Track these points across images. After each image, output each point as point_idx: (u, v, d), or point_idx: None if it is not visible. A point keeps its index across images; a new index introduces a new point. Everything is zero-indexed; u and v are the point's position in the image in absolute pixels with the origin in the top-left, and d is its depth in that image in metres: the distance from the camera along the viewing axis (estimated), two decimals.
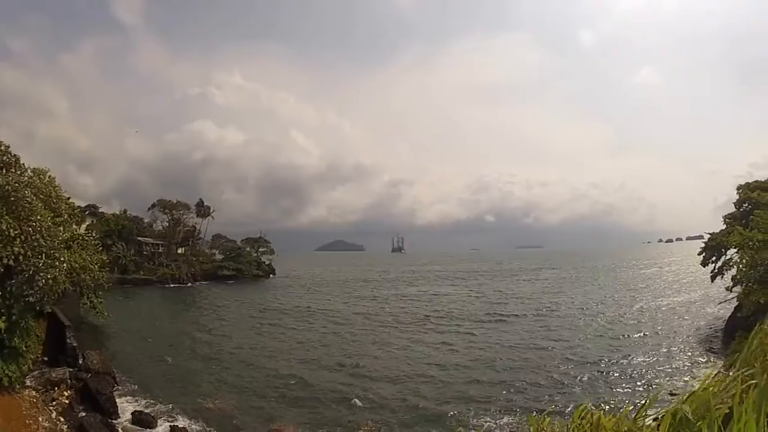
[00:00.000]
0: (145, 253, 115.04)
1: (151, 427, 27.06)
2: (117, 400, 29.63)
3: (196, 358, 42.94)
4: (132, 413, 28.08)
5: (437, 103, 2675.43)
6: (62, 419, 22.60)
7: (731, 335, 38.81)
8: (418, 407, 30.22)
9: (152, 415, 28.33)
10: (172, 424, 27.28)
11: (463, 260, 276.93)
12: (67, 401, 25.47)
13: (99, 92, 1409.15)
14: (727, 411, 5.16)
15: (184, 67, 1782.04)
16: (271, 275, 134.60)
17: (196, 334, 53.91)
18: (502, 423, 27.49)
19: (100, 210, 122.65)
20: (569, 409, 27.71)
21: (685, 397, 5.91)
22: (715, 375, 8.73)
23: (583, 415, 6.75)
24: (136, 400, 30.92)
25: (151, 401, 30.87)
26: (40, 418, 21.82)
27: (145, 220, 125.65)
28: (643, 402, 6.59)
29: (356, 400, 31.44)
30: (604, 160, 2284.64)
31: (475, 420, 27.92)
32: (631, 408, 7.07)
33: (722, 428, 4.80)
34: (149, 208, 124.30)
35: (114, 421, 26.91)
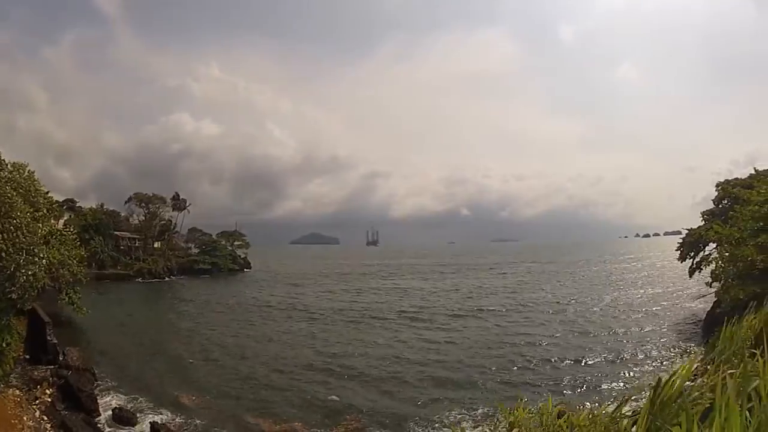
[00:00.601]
0: (121, 247, 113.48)
1: (131, 424, 26.92)
2: (97, 396, 29.31)
3: (173, 353, 42.67)
4: (113, 410, 27.88)
5: (415, 96, 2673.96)
6: (45, 418, 22.34)
7: (711, 330, 38.61)
8: (395, 401, 30.56)
9: (132, 411, 28.18)
10: (152, 420, 27.01)
11: (438, 254, 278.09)
12: (49, 399, 25.16)
13: (78, 84, 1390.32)
14: (708, 405, 5.43)
15: (163, 60, 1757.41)
16: (246, 269, 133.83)
17: (174, 329, 53.79)
18: (477, 415, 27.73)
19: (78, 204, 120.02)
20: (542, 401, 27.74)
21: (661, 388, 6.10)
22: (695, 369, 9.29)
23: (556, 409, 7.26)
24: (116, 397, 30.65)
25: (131, 397, 30.71)
26: (25, 417, 21.50)
27: (122, 214, 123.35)
28: (621, 397, 7.53)
29: (334, 396, 31.52)
30: (581, 154, 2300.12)
31: (449, 412, 28.25)
32: (607, 404, 7.77)
33: (699, 424, 5.00)
34: (126, 202, 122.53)
35: (95, 419, 26.72)
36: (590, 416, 7.04)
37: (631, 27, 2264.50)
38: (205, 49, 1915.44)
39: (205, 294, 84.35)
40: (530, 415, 7.70)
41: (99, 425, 26.22)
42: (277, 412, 29.26)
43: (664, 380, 6.37)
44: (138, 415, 27.93)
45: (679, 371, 6.53)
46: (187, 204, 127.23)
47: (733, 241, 40.84)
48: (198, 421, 27.83)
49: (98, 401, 28.63)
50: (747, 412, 4.73)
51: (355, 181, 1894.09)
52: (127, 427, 26.62)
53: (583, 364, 39.08)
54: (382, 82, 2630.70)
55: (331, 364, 38.99)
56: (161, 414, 28.38)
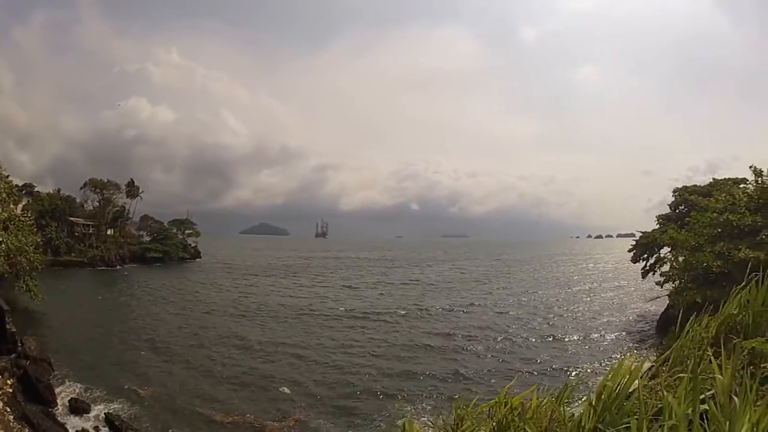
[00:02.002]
0: (76, 234, 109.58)
1: (87, 413, 26.82)
2: (54, 386, 28.87)
3: (127, 343, 42.24)
4: (69, 400, 27.62)
5: (371, 90, 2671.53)
6: (8, 409, 22.17)
7: (664, 330, 39.90)
8: (342, 395, 31.01)
9: (87, 401, 27.95)
10: (106, 411, 26.91)
11: (386, 248, 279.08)
12: (11, 390, 24.96)
13: (43, 67, 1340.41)
14: (659, 405, 5.25)
15: (126, 43, 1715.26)
16: (197, 258, 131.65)
17: (127, 319, 52.82)
18: (425, 408, 28.44)
19: (36, 189, 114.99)
20: (491, 396, 28.38)
21: (610, 385, 5.91)
22: (647, 369, 10.11)
23: (505, 400, 6.80)
24: (71, 386, 30.29)
25: (85, 387, 30.42)
26: None
27: (77, 200, 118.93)
28: (565, 388, 6.62)
29: (284, 388, 31.88)
30: (536, 153, 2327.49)
31: (397, 405, 28.93)
32: (552, 395, 7.08)
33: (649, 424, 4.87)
34: (81, 188, 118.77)
35: (53, 410, 26.42)
36: (537, 406, 6.60)
37: (596, 32, 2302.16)
38: (166, 34, 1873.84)
39: (157, 284, 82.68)
40: (480, 406, 7.12)
41: (57, 416, 25.87)
42: (228, 403, 29.48)
43: (612, 377, 6.13)
44: (93, 405, 27.70)
45: (628, 368, 6.14)
46: (140, 191, 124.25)
47: (690, 247, 41.22)
48: (150, 411, 27.90)
49: (55, 391, 28.21)
50: (702, 414, 4.64)
51: (306, 172, 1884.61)
52: (83, 417, 26.36)
53: (533, 362, 39.29)
54: (339, 74, 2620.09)
55: (280, 356, 39.31)
56: (115, 404, 28.22)
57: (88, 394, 29.28)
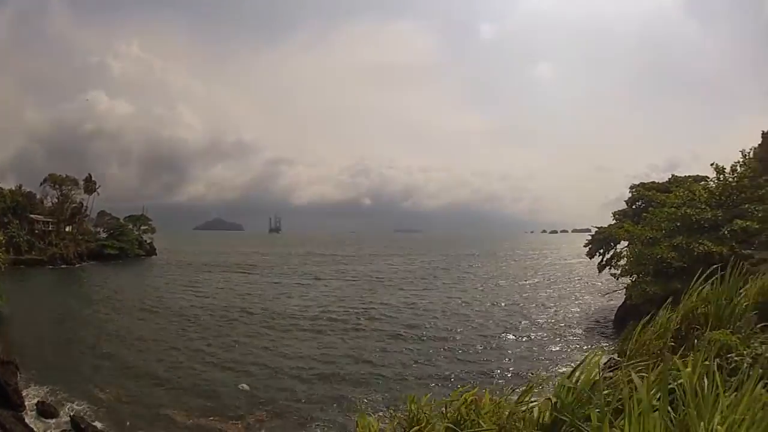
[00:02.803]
0: (36, 231, 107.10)
1: (55, 417, 26.71)
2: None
3: (89, 343, 42.01)
4: (36, 404, 27.56)
5: (327, 83, 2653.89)
6: None
7: (622, 323, 39.30)
8: (299, 394, 31.24)
9: (54, 405, 27.88)
10: (72, 414, 26.90)
11: (340, 243, 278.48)
12: None
13: (9, 58, 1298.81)
14: (620, 399, 5.31)
15: (89, 34, 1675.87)
16: (152, 255, 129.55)
17: (90, 319, 52.42)
18: (380, 405, 28.69)
19: None
20: (447, 393, 29.04)
21: (567, 381, 6.18)
22: (607, 362, 10.08)
23: (462, 398, 7.05)
24: (37, 389, 30.23)
25: (51, 389, 30.37)
26: None
27: (38, 196, 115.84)
28: (525, 386, 7.20)
29: (244, 386, 32.37)
30: (491, 149, 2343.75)
31: (349, 404, 29.22)
32: (510, 392, 7.65)
33: (611, 418, 4.93)
34: (41, 183, 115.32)
35: (22, 414, 26.23)
36: (494, 403, 6.96)
37: (555, 30, 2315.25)
38: (130, 26, 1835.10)
39: (116, 282, 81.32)
40: (434, 404, 7.52)
41: (27, 420, 25.72)
42: (189, 402, 29.69)
43: (571, 372, 6.44)
44: (59, 409, 27.65)
45: (588, 362, 6.53)
46: (97, 186, 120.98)
47: (646, 240, 41.07)
48: (114, 413, 27.97)
49: (22, 395, 28.02)
50: (668, 407, 4.72)
51: (260, 166, 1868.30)
52: (51, 421, 26.37)
53: (489, 359, 38.83)
54: (295, 67, 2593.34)
55: (238, 355, 39.69)
56: (79, 406, 28.22)
57: (53, 397, 29.21)
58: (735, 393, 4.72)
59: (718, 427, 4.18)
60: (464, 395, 7.01)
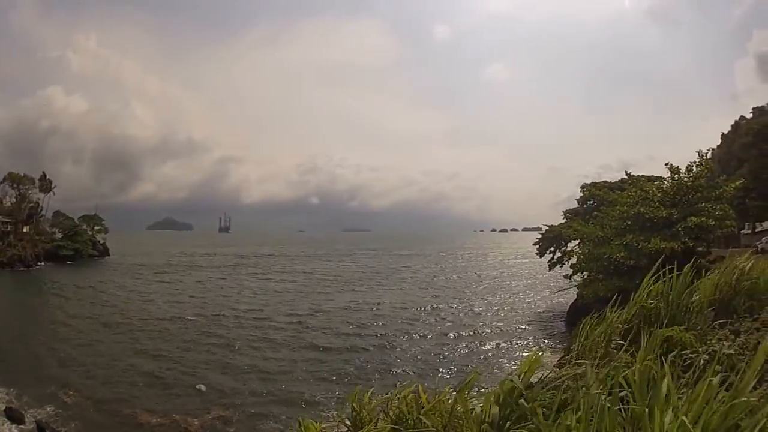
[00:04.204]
0: None
1: (21, 423, 26.74)
2: None
3: (51, 347, 41.79)
4: (5, 409, 27.58)
5: (281, 81, 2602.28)
6: None
7: (574, 321, 37.02)
8: (253, 395, 31.54)
9: (20, 410, 27.83)
10: (37, 418, 26.96)
11: (289, 242, 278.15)
12: None
13: None
14: (566, 395, 5.26)
15: (52, 28, 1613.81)
16: (106, 256, 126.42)
17: (50, 321, 51.82)
18: (321, 403, 29.12)
19: None
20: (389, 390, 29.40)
21: (512, 377, 5.97)
22: (558, 360, 10.18)
23: (404, 392, 7.02)
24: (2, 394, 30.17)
25: (16, 393, 30.50)
26: None
27: None
28: (465, 381, 6.96)
29: (201, 386, 32.72)
30: (441, 149, 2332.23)
31: (295, 402, 29.86)
32: (450, 388, 7.49)
33: (558, 414, 4.83)
34: (0, 182, 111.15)
35: None
36: (435, 400, 6.75)
37: (511, 31, 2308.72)
38: (90, 20, 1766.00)
39: (75, 284, 79.32)
40: (376, 401, 7.47)
41: None
42: (150, 403, 30.04)
43: (516, 368, 6.24)
44: (25, 414, 27.61)
45: (533, 359, 6.33)
46: (53, 185, 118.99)
47: (596, 239, 40.39)
48: (78, 416, 28.14)
49: None
50: (617, 402, 4.61)
51: (210, 165, 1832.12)
52: (19, 426, 26.40)
53: (435, 358, 38.62)
54: (249, 64, 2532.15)
55: (193, 354, 40.17)
56: (44, 410, 28.38)
57: (19, 402, 29.25)
58: (691, 390, 4.55)
59: (669, 424, 4.05)
60: (403, 392, 7.03)
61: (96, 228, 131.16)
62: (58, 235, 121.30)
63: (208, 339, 45.27)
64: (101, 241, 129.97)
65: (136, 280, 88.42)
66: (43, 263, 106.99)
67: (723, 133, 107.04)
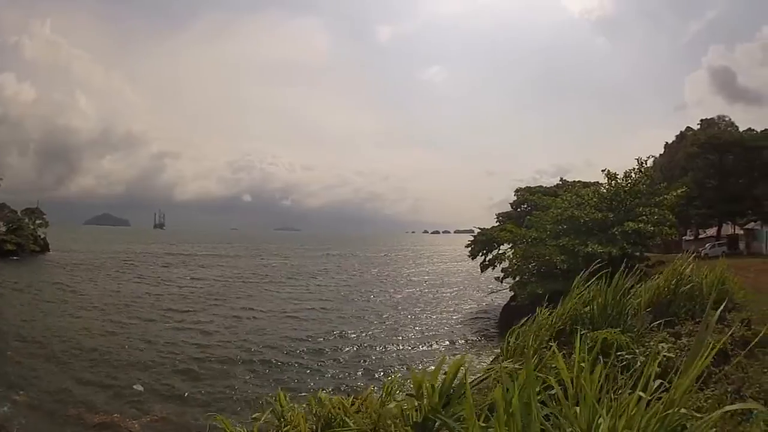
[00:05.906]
0: None
1: None
2: None
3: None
4: None
5: (222, 76, 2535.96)
6: None
7: (507, 323, 34.04)
8: (185, 398, 31.48)
9: None
10: None
11: (222, 241, 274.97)
12: None
13: None
14: (491, 399, 4.89)
15: (11, 12, 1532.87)
16: (46, 251, 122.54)
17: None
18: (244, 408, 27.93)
19: None
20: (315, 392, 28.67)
21: (431, 380, 5.64)
22: (491, 361, 10.30)
23: (326, 395, 6.94)
24: None
25: None
26: None
27: None
28: (390, 384, 7.02)
29: (138, 386, 32.82)
30: (376, 149, 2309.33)
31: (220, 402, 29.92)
32: (373, 390, 7.41)
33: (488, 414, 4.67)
34: None
35: None
36: (361, 401, 6.69)
37: (453, 35, 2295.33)
38: (48, 4, 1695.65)
39: (23, 280, 76.67)
40: (299, 404, 7.27)
41: None
42: (94, 402, 30.26)
43: (435, 369, 5.86)
44: None
45: (457, 361, 5.94)
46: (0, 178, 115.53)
47: (529, 241, 40.10)
48: (27, 417, 28.27)
49: None
50: (549, 403, 4.52)
51: (146, 160, 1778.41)
52: None
53: (365, 357, 38.15)
54: (191, 57, 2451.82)
55: (128, 353, 39.84)
56: None
57: None
58: (630, 391, 4.24)
59: (601, 424, 3.90)
60: (329, 396, 6.96)
61: (37, 222, 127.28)
62: (2, 229, 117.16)
63: (144, 337, 44.86)
64: (42, 236, 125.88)
65: (79, 276, 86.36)
66: None
67: (667, 142, 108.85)
